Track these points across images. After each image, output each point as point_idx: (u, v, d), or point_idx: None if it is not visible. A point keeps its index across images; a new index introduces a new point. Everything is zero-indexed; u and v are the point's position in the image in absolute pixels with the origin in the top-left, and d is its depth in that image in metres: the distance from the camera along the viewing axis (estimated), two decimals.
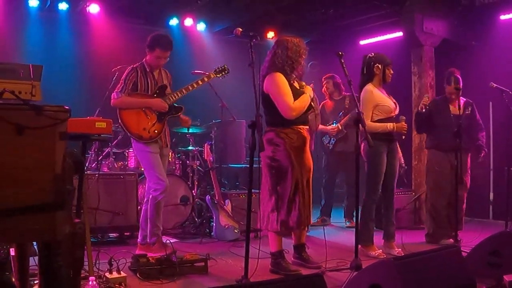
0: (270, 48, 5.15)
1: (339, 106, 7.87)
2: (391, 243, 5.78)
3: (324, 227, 7.17)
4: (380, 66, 5.73)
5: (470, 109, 6.51)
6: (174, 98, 5.59)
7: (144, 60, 5.60)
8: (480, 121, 6.66)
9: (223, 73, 5.91)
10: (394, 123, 5.63)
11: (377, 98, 5.66)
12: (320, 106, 7.84)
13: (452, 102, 6.45)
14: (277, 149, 4.89)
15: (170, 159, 7.47)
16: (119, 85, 5.46)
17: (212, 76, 5.82)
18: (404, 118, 5.74)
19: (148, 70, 5.55)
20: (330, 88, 7.95)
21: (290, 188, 4.86)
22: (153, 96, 5.52)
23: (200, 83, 5.69)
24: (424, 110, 6.30)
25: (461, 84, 6.27)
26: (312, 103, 5.09)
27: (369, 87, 5.71)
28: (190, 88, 5.65)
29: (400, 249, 5.69)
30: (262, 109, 5.12)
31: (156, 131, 5.47)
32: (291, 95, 4.88)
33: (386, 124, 5.59)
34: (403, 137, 5.76)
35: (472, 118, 6.54)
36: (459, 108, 6.14)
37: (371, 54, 5.82)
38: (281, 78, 4.91)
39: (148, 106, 5.46)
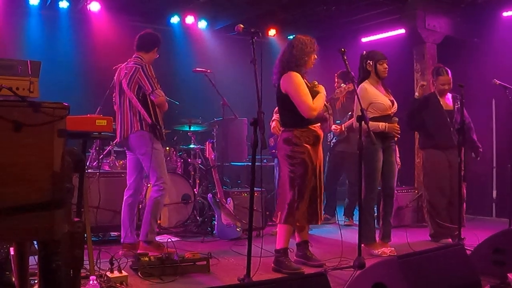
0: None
1: (348, 105, 7.79)
2: (386, 243, 5.72)
3: (326, 225, 7.17)
4: (371, 62, 5.72)
5: (458, 103, 6.40)
6: None
7: (141, 57, 5.57)
8: (469, 118, 6.47)
9: None
10: (387, 123, 5.58)
11: (371, 96, 5.62)
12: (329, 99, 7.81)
13: (442, 95, 6.38)
14: (295, 148, 4.92)
15: (171, 157, 7.49)
16: (154, 83, 5.38)
17: None
18: (397, 119, 5.70)
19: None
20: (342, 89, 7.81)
21: (308, 184, 4.93)
22: None
23: None
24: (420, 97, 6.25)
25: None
26: (325, 103, 5.13)
27: (364, 85, 5.69)
28: None
29: (393, 249, 5.60)
30: (278, 109, 5.15)
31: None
32: (309, 95, 4.92)
33: (378, 123, 5.54)
34: (396, 138, 5.71)
35: (461, 113, 6.38)
36: (454, 103, 6.06)
37: (364, 52, 5.82)
38: (298, 78, 4.93)
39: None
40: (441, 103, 6.37)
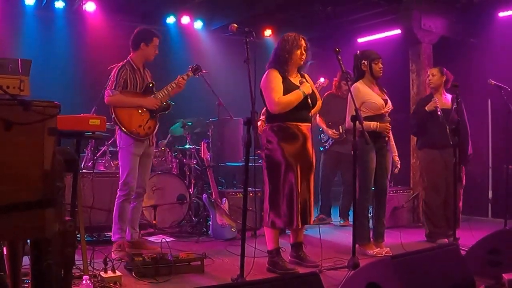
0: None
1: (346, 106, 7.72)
2: (380, 243, 5.70)
3: (321, 225, 7.14)
4: (365, 62, 5.70)
5: (457, 101, 6.36)
6: (163, 95, 5.67)
7: (129, 58, 5.62)
8: (467, 122, 6.47)
9: (198, 71, 5.96)
10: (378, 123, 5.57)
11: (363, 95, 5.60)
12: (326, 95, 7.75)
13: (437, 92, 6.39)
14: (269, 145, 4.92)
15: (166, 157, 7.47)
16: (110, 83, 5.46)
17: (190, 75, 5.87)
18: (389, 119, 5.69)
19: (135, 68, 5.59)
20: (344, 89, 7.67)
21: (282, 184, 4.85)
22: (141, 94, 5.57)
23: (182, 81, 5.76)
24: (439, 113, 6.18)
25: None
26: (308, 101, 4.99)
27: (357, 84, 5.69)
28: (174, 86, 5.72)
29: (388, 249, 5.60)
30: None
31: (150, 128, 5.56)
32: (278, 91, 4.85)
33: (370, 122, 5.51)
34: (386, 138, 5.70)
35: (460, 114, 6.27)
36: (453, 104, 6.03)
37: (358, 52, 5.80)
38: (272, 74, 4.93)
39: (140, 105, 5.53)
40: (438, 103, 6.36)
